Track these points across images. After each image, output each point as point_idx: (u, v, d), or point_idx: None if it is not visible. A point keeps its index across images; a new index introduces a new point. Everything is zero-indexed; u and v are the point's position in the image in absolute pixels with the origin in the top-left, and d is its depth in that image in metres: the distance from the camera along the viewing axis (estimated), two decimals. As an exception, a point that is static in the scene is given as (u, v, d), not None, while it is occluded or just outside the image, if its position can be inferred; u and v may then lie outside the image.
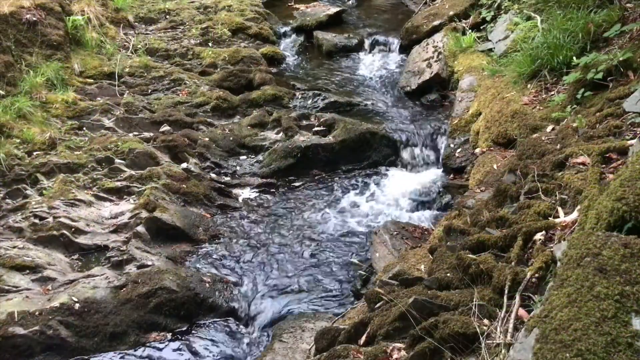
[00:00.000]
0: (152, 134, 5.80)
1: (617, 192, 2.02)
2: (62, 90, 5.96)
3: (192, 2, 8.43)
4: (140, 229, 4.64)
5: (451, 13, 7.20)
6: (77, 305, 3.88)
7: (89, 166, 5.20)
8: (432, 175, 5.58)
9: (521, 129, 4.55)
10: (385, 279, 3.42)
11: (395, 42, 7.91)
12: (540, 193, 3.10)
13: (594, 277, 1.67)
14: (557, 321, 1.61)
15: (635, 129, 3.22)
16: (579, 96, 4.21)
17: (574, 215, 2.69)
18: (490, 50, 6.22)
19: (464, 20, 7.05)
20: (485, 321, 2.40)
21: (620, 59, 3.97)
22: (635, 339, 1.51)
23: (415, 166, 5.82)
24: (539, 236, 2.72)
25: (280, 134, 6.04)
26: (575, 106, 4.21)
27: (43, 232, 4.47)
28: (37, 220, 4.57)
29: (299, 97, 6.72)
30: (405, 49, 7.66)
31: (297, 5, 9.19)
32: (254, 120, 6.23)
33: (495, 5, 6.71)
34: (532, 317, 1.78)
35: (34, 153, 5.19)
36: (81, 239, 4.54)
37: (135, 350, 3.91)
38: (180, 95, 6.50)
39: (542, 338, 1.60)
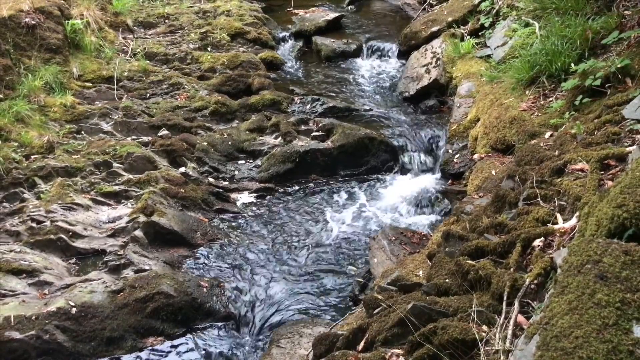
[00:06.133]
0: (150, 138, 5.79)
1: (617, 199, 2.02)
2: (60, 94, 5.95)
3: (191, 6, 8.45)
4: (138, 233, 4.62)
5: (450, 19, 7.23)
6: (73, 310, 3.86)
7: (87, 170, 5.19)
8: (431, 181, 5.58)
9: (519, 135, 4.56)
10: (384, 284, 3.41)
11: (393, 48, 7.94)
12: (539, 199, 3.10)
13: (595, 285, 1.67)
14: (558, 328, 1.61)
15: (634, 135, 3.22)
16: (577, 103, 4.22)
17: (573, 221, 2.69)
18: (489, 56, 6.24)
19: (462, 27, 7.08)
20: (484, 327, 2.39)
21: (618, 65, 3.98)
22: (637, 347, 1.51)
23: (413, 172, 5.82)
24: (537, 242, 2.71)
25: (279, 138, 6.04)
26: (573, 112, 4.22)
27: (40, 236, 4.46)
28: (34, 224, 4.55)
29: (298, 102, 6.73)
30: (403, 55, 7.68)
31: (296, 11, 9.22)
32: (253, 124, 6.23)
33: (494, 11, 6.73)
34: (532, 324, 1.77)
35: (32, 156, 5.18)
36: (78, 243, 4.53)
37: (132, 355, 3.89)
38: (179, 99, 6.50)
39: (543, 345, 1.60)
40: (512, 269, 2.60)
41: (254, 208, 5.37)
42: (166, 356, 3.92)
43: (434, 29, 7.30)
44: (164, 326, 4.05)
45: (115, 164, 5.30)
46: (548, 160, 3.52)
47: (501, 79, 5.54)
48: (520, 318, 2.28)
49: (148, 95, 6.53)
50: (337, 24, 8.74)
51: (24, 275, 4.14)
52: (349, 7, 9.67)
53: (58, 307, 3.84)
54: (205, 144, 5.86)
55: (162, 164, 5.49)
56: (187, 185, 5.32)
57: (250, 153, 5.95)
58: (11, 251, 4.29)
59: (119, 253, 4.49)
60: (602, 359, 1.49)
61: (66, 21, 6.57)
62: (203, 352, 3.97)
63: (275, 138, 6.08)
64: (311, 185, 5.72)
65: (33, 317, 3.75)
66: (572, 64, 4.57)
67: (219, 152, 5.86)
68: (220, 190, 5.49)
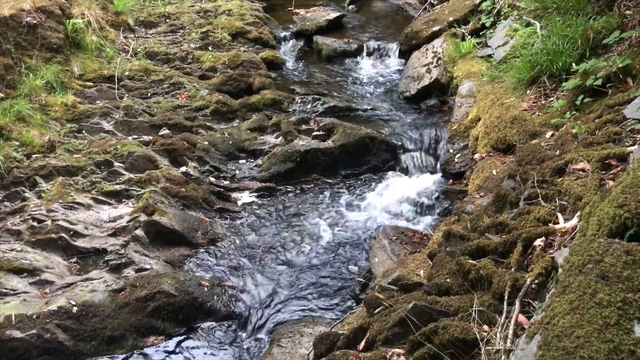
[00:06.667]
0: (151, 138, 5.80)
1: (618, 198, 2.02)
2: (61, 93, 5.96)
3: (192, 6, 8.45)
4: (139, 232, 4.63)
5: (451, 19, 7.22)
6: (74, 309, 3.86)
7: (88, 169, 5.19)
8: (431, 181, 5.58)
9: (520, 134, 4.56)
10: (385, 284, 3.41)
11: (394, 48, 7.93)
12: (540, 199, 3.10)
13: (596, 284, 1.67)
14: (560, 328, 1.61)
15: (635, 135, 3.22)
16: (578, 102, 4.22)
17: (574, 221, 2.69)
18: (490, 56, 6.23)
19: (463, 26, 7.07)
20: (485, 327, 2.39)
21: (620, 65, 3.98)
22: (638, 347, 1.51)
23: (414, 171, 5.83)
24: (538, 242, 2.71)
25: (280, 138, 6.04)
26: (574, 112, 4.22)
27: (41, 235, 4.46)
28: (35, 223, 4.55)
29: (299, 101, 6.73)
30: (404, 54, 7.68)
31: (297, 10, 9.22)
32: (254, 124, 6.24)
33: (495, 11, 6.73)
34: (533, 324, 1.77)
35: (33, 156, 5.19)
36: (79, 242, 4.53)
37: (132, 355, 3.90)
38: (180, 98, 6.50)
39: (544, 345, 1.60)
40: (513, 269, 2.60)
41: (254, 207, 5.37)
42: (167, 355, 3.92)
43: (435, 28, 7.30)
44: (164, 325, 4.05)
45: (116, 163, 5.31)
46: (549, 160, 3.52)
47: (502, 78, 5.54)
48: (521, 318, 2.28)
49: (149, 94, 6.53)
50: (338, 24, 8.73)
51: (25, 274, 4.14)
52: (350, 7, 9.66)
53: (59, 306, 3.84)
54: (206, 143, 5.86)
55: (163, 163, 5.49)
56: (188, 184, 5.32)
57: (251, 152, 5.95)
58: (12, 250, 4.29)
59: (120, 252, 4.49)
60: (603, 359, 1.50)
61: (67, 20, 6.58)
62: (204, 351, 3.97)
63: (276, 137, 6.08)
64: (312, 184, 5.72)
65: (34, 316, 3.76)
66: (573, 64, 4.56)
67: (219, 152, 5.86)
68: (221, 189, 5.49)
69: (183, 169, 5.55)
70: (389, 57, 7.94)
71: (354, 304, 4.16)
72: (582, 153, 3.20)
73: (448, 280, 2.90)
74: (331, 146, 5.84)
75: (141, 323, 4.00)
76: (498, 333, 2.25)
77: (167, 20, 7.99)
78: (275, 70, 7.54)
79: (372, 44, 8.14)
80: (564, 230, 2.68)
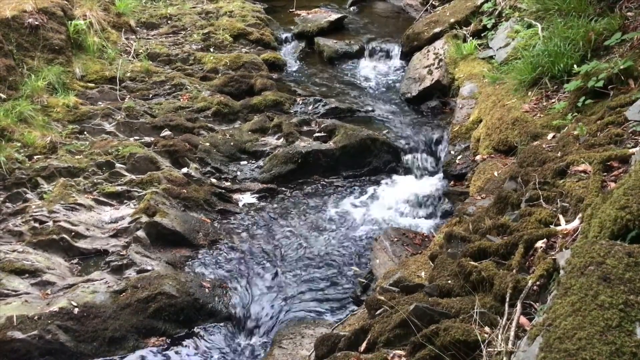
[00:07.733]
0: (152, 139, 5.80)
1: (620, 200, 2.02)
2: (63, 94, 5.96)
3: (194, 7, 8.46)
4: (140, 233, 4.63)
5: (452, 20, 7.23)
6: (76, 310, 3.87)
7: (90, 170, 5.19)
8: (433, 182, 5.58)
9: (522, 136, 4.56)
10: (386, 285, 3.41)
11: (396, 49, 7.94)
12: (542, 200, 3.09)
13: (598, 286, 1.67)
14: (562, 330, 1.61)
15: (637, 137, 3.21)
16: (579, 104, 4.22)
17: (576, 223, 2.69)
18: (491, 57, 6.24)
19: (464, 28, 7.07)
20: (487, 329, 2.39)
21: (621, 67, 3.98)
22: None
23: (415, 173, 5.82)
24: (540, 244, 2.71)
25: (281, 139, 6.05)
26: (576, 114, 4.22)
27: (43, 236, 4.46)
28: (37, 224, 4.56)
29: (300, 102, 6.73)
30: (406, 56, 7.69)
31: (298, 12, 9.23)
32: (255, 125, 6.24)
33: (496, 13, 6.73)
34: (535, 326, 1.77)
35: (35, 157, 5.19)
36: (81, 243, 4.53)
37: (134, 356, 3.90)
38: (182, 100, 6.51)
39: (546, 347, 1.60)
40: (514, 271, 2.59)
41: (256, 209, 5.37)
42: (168, 357, 3.92)
43: (437, 30, 7.30)
44: (166, 326, 4.05)
45: (117, 165, 5.31)
46: (550, 161, 3.51)
47: (504, 80, 5.54)
48: (523, 319, 2.28)
49: (150, 95, 6.54)
50: (340, 25, 8.74)
51: (27, 275, 4.15)
52: (352, 8, 9.67)
53: (60, 307, 3.85)
54: (208, 144, 5.87)
55: (165, 165, 5.50)
56: (190, 185, 5.32)
57: (252, 154, 5.96)
58: (14, 251, 4.30)
59: (121, 253, 4.49)
60: (605, 361, 1.50)
61: (69, 22, 6.58)
62: (205, 352, 3.98)
63: (278, 139, 6.08)
64: (313, 186, 5.72)
65: (35, 317, 3.76)
66: (575, 66, 4.57)
67: (221, 153, 5.87)
68: (223, 190, 5.49)
69: (184, 170, 5.55)
70: (391, 58, 7.94)
71: (356, 306, 4.15)
72: (584, 155, 3.20)
73: (449, 281, 2.90)
74: (332, 147, 5.85)
75: (142, 324, 4.00)
76: (499, 335, 2.25)
77: (169, 22, 8.00)
78: (277, 72, 7.55)
79: (374, 45, 8.15)
80: (565, 232, 2.67)
